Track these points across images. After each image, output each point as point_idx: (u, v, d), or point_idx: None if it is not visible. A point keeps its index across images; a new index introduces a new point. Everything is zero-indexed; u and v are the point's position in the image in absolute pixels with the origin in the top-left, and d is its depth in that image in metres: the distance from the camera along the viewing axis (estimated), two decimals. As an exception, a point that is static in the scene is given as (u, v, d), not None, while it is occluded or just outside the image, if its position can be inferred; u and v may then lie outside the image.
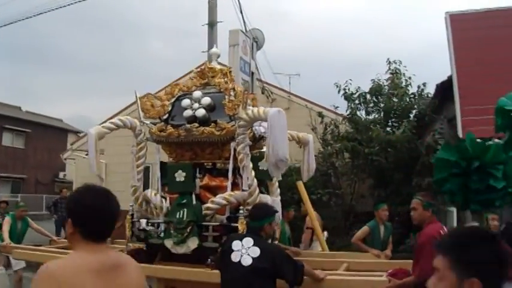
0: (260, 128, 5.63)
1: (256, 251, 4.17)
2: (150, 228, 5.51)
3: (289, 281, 4.32)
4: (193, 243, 5.16)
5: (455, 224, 9.20)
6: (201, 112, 5.47)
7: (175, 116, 5.77)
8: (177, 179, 5.40)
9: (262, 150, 5.84)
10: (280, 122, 4.78)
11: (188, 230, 5.18)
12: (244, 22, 11.92)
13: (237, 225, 5.09)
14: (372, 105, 13.04)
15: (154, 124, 5.74)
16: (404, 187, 11.46)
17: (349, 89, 13.08)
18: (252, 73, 10.73)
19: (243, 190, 5.29)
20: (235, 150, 5.30)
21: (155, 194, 5.60)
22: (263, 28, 12.67)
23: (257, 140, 5.74)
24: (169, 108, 5.81)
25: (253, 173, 5.31)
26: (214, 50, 6.24)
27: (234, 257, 4.17)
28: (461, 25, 11.32)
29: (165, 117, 5.77)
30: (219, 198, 5.25)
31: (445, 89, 11.41)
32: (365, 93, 13.04)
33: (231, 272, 4.15)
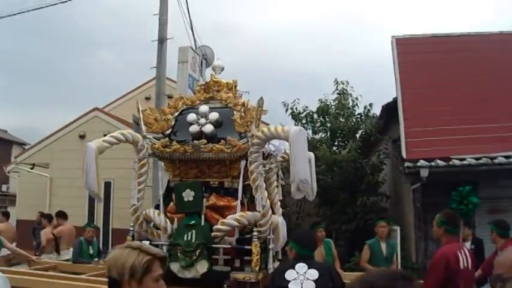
0: (270, 146, 5.40)
1: (314, 274, 3.96)
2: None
3: None
4: (202, 267, 4.85)
5: (398, 240, 9.27)
6: (209, 128, 5.20)
7: (178, 131, 5.47)
8: (185, 199, 5.07)
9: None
10: (302, 142, 4.58)
11: (197, 253, 4.86)
12: (194, 39, 11.76)
13: (250, 247, 4.83)
14: (318, 124, 13.29)
15: (157, 139, 5.40)
16: (349, 206, 11.64)
17: (296, 108, 13.19)
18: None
19: (256, 211, 5.06)
20: (245, 168, 5.06)
21: (158, 214, 5.25)
22: (211, 42, 12.51)
23: (264, 158, 5.50)
24: (173, 123, 5.50)
25: (266, 193, 5.07)
26: (218, 62, 5.98)
27: (294, 287, 3.91)
28: (406, 49, 11.74)
29: (168, 132, 5.45)
30: (230, 220, 4.96)
31: (390, 110, 11.76)
32: (312, 112, 13.19)
33: None
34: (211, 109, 5.34)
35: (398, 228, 9.61)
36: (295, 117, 12.99)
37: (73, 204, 13.38)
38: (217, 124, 5.25)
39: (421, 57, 11.51)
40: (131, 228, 5.31)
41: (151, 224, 5.42)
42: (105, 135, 11.88)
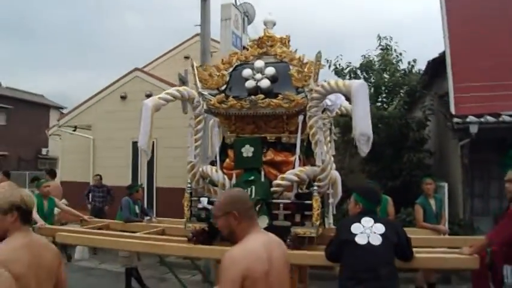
0: (326, 101, 5.30)
1: (380, 228, 3.94)
2: (212, 207, 5.18)
3: (406, 253, 4.13)
4: (262, 223, 4.81)
5: (446, 196, 9.14)
6: (265, 83, 5.11)
7: (232, 86, 5.39)
8: (245, 155, 5.06)
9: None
10: (364, 96, 4.48)
11: (257, 208, 4.84)
12: (235, -6, 11.43)
13: (310, 202, 4.80)
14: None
15: (212, 95, 5.35)
16: (395, 163, 11.47)
17: (339, 65, 12.91)
18: (244, 48, 10.39)
19: (311, 165, 5.04)
20: (303, 123, 5.01)
21: (216, 171, 5.24)
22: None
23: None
24: (227, 79, 5.43)
25: (325, 147, 5.02)
26: (269, 18, 5.81)
27: (361, 240, 3.91)
28: (456, 3, 11.25)
29: (223, 88, 5.39)
30: (290, 175, 4.93)
31: (436, 65, 11.47)
32: (355, 68, 12.90)
33: (362, 255, 3.87)
34: (267, 64, 5.25)
35: (446, 185, 9.50)
36: (339, 73, 12.76)
37: (117, 164, 13.58)
38: (273, 79, 5.17)
39: (471, 12, 11.13)
40: (188, 185, 5.32)
41: (207, 180, 5.44)
42: (147, 96, 12.09)
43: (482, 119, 9.35)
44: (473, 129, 9.23)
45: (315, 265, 5.42)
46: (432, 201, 7.42)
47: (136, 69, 14.40)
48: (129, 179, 12.85)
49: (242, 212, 2.89)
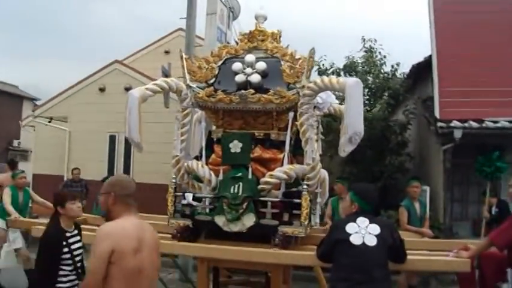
0: (317, 99, 5.18)
1: (376, 228, 3.85)
2: (197, 203, 5.02)
3: (400, 255, 4.07)
4: (249, 221, 4.71)
5: (428, 200, 9.14)
6: (256, 78, 4.98)
7: (221, 80, 5.24)
8: (232, 150, 4.91)
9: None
10: (358, 94, 4.39)
11: (244, 206, 4.71)
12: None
13: (299, 201, 4.67)
14: None
15: (200, 88, 5.19)
16: (376, 165, 11.43)
17: (323, 65, 12.82)
18: (228, 43, 10.21)
19: (298, 163, 4.94)
20: (293, 120, 4.89)
21: (202, 166, 5.07)
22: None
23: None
24: (217, 72, 5.27)
25: (316, 145, 4.91)
26: (261, 12, 5.66)
27: (355, 240, 3.79)
28: (444, 8, 11.27)
29: (211, 81, 5.23)
30: (278, 172, 4.79)
31: (420, 69, 11.51)
32: (339, 69, 12.82)
33: (357, 256, 3.75)
34: (257, 59, 5.11)
35: (428, 188, 9.49)
36: (322, 73, 12.65)
37: (93, 158, 13.29)
38: (263, 74, 5.03)
39: (459, 17, 11.15)
40: (173, 181, 5.15)
41: (191, 176, 5.27)
42: (126, 89, 11.81)
43: (466, 124, 9.38)
44: (458, 134, 9.26)
45: (298, 266, 5.33)
46: (417, 205, 7.39)
47: (116, 61, 14.10)
48: (105, 173, 12.56)
49: (118, 195, 3.21)
